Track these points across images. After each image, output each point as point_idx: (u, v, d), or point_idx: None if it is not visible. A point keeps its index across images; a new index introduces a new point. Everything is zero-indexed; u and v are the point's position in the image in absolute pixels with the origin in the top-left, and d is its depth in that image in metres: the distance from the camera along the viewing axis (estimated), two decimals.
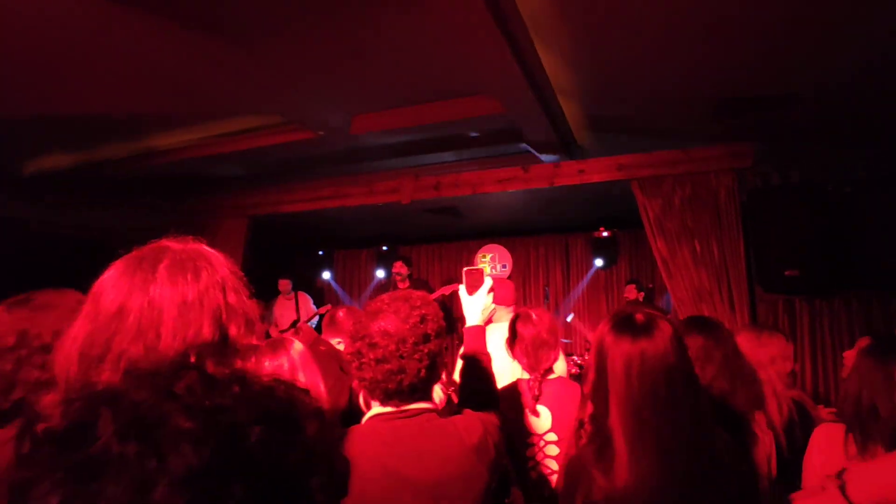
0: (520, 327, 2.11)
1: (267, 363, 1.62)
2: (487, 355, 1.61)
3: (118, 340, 0.74)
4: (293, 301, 6.29)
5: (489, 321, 1.76)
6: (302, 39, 2.66)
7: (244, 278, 0.88)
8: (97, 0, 2.09)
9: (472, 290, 1.69)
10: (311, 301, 6.46)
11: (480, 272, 1.70)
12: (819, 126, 3.54)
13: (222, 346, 0.79)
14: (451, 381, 2.18)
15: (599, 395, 1.19)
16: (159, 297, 0.77)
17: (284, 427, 0.43)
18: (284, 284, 6.33)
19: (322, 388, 1.61)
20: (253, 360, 1.66)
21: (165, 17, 2.32)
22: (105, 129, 3.78)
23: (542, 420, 1.97)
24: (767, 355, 2.05)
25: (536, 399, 1.99)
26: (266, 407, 0.43)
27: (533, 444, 1.96)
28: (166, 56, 2.66)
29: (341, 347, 2.71)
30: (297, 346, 1.67)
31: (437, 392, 1.80)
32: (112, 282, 0.79)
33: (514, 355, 2.11)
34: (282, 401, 0.46)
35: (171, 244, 0.84)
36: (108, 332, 0.75)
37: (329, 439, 0.48)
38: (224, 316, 0.81)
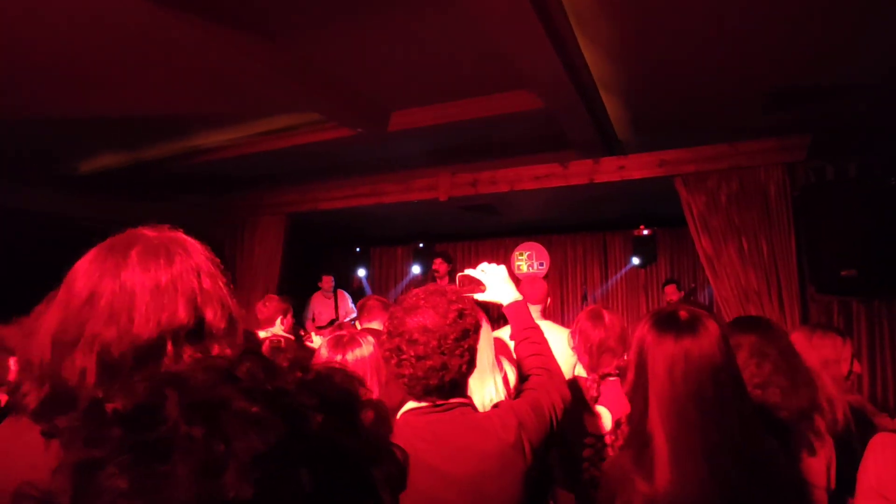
0: (588, 325, 2.04)
1: (326, 356, 1.62)
2: (538, 328, 1.54)
3: (90, 325, 0.74)
4: (332, 299, 6.33)
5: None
6: (342, 37, 2.68)
7: (221, 265, 0.87)
8: (146, 7, 2.15)
9: (472, 289, 1.61)
10: (349, 300, 6.47)
11: (470, 277, 1.64)
12: (879, 116, 3.35)
13: (199, 329, 0.79)
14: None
15: (638, 395, 1.15)
16: (131, 281, 0.76)
17: (343, 415, 0.43)
18: (328, 281, 6.33)
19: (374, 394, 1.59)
20: (311, 349, 1.67)
21: (209, 19, 2.37)
22: (154, 129, 3.91)
23: (601, 421, 1.91)
24: (819, 358, 1.94)
25: (595, 400, 1.93)
26: (325, 394, 0.43)
27: (590, 445, 1.90)
28: (211, 57, 2.73)
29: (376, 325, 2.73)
30: (363, 350, 1.63)
31: (500, 389, 1.73)
32: (84, 268, 0.79)
33: (576, 349, 2.04)
34: (340, 389, 0.45)
35: (146, 231, 0.84)
36: (81, 317, 0.75)
37: (386, 430, 0.47)
38: (199, 300, 0.80)
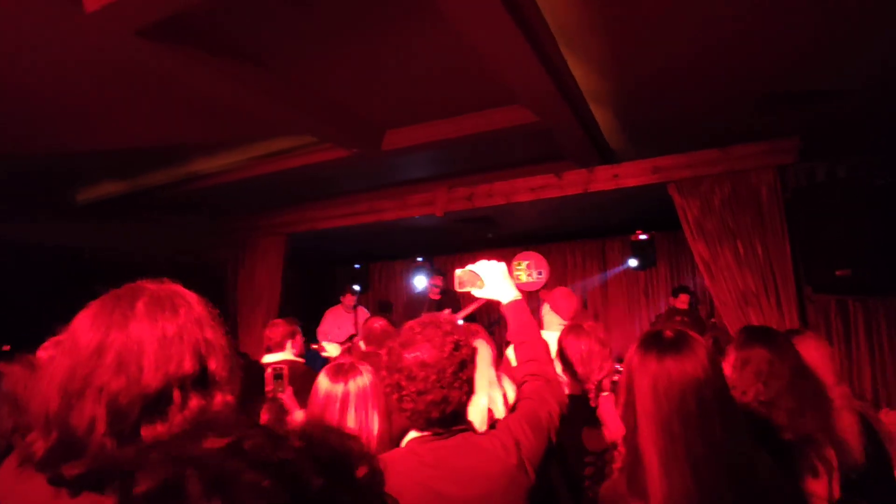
0: (571, 338, 2.07)
1: (326, 385, 1.62)
2: (536, 330, 1.52)
3: (98, 375, 0.76)
4: (353, 315, 6.35)
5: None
6: (333, 59, 2.73)
7: (220, 316, 0.90)
8: (139, 41, 2.20)
9: (469, 284, 1.62)
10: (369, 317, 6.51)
11: (468, 272, 1.63)
12: (867, 118, 3.40)
13: (203, 378, 0.81)
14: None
15: (629, 414, 1.18)
16: (138, 332, 0.79)
17: (339, 473, 0.48)
18: (350, 298, 6.43)
19: (375, 425, 1.58)
20: (316, 379, 1.67)
21: (200, 48, 2.42)
22: (150, 157, 3.95)
23: (598, 438, 1.90)
24: (836, 364, 1.92)
25: (593, 412, 1.94)
26: (322, 457, 0.48)
27: (590, 464, 1.89)
28: (204, 85, 2.77)
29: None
30: (362, 379, 1.62)
31: (500, 408, 1.72)
32: (90, 319, 0.81)
33: (564, 370, 2.05)
34: (335, 450, 0.50)
35: (148, 284, 0.87)
36: (88, 367, 0.76)
37: (378, 480, 0.52)
38: (203, 349, 0.82)
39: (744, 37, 2.52)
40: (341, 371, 1.64)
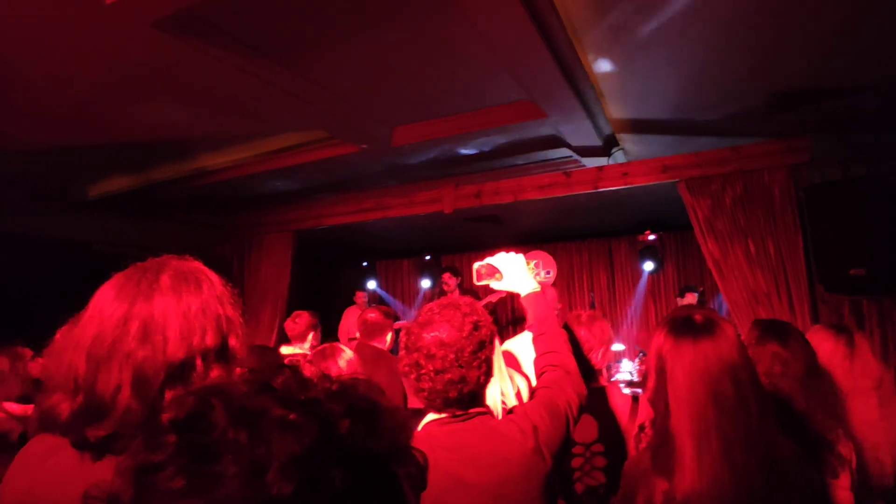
0: (574, 327, 2.06)
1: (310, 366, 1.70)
2: (555, 321, 1.51)
3: (125, 343, 0.79)
4: None
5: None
6: (345, 55, 2.71)
7: (237, 295, 0.93)
8: (150, 33, 2.19)
9: (488, 277, 1.62)
10: None
11: (487, 266, 1.63)
12: (883, 116, 3.36)
13: (223, 352, 0.84)
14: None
15: (660, 399, 1.17)
16: (163, 305, 0.81)
17: (368, 420, 0.46)
18: (361, 296, 6.86)
19: None
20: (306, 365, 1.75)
21: (212, 42, 2.41)
22: (160, 152, 3.96)
23: (586, 429, 1.90)
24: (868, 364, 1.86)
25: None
26: (351, 402, 0.47)
27: (578, 455, 1.89)
28: (215, 79, 2.77)
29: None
30: (347, 353, 1.73)
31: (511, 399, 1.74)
32: (116, 290, 0.84)
33: None
34: (363, 397, 0.49)
35: (172, 259, 0.90)
36: (114, 335, 0.79)
37: (406, 434, 0.51)
38: (225, 326, 0.86)
39: (759, 32, 2.49)
40: (325, 354, 1.73)
